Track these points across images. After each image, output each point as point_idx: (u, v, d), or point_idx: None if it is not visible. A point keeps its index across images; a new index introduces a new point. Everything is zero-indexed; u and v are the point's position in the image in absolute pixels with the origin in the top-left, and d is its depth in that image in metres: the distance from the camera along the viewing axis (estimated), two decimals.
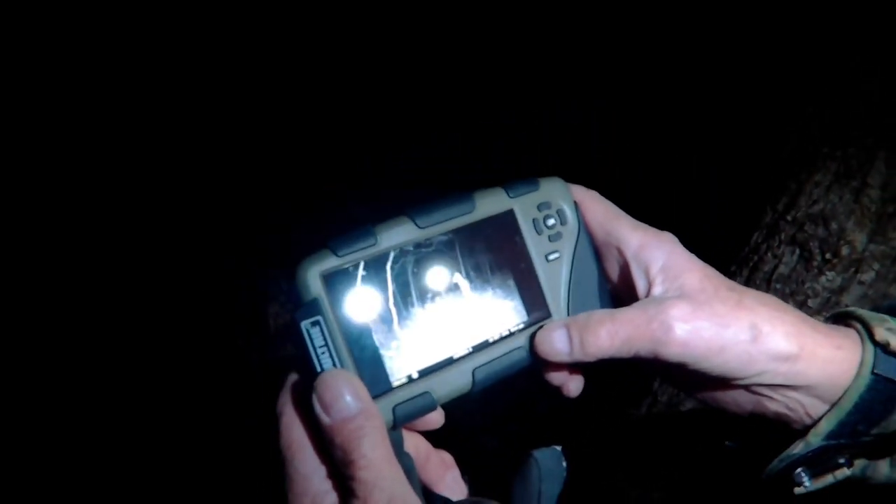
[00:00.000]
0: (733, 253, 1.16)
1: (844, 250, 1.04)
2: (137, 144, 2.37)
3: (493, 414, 1.81)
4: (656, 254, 0.52)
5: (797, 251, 1.06)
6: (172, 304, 2.26)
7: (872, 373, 0.49)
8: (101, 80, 2.32)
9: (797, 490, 0.53)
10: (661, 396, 1.31)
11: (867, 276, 1.05)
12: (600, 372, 0.55)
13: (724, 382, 0.51)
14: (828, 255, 1.04)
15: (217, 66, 2.36)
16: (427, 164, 2.21)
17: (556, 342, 0.51)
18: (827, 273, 1.05)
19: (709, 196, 1.40)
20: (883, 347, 0.49)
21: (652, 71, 1.91)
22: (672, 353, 0.48)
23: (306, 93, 2.40)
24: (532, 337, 0.52)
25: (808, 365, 0.49)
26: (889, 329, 0.50)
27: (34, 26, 2.24)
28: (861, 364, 0.49)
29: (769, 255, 1.09)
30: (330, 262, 0.47)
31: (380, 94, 2.34)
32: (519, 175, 0.57)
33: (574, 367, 0.54)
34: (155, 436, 2.03)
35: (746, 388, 0.51)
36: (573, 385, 0.54)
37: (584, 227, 0.56)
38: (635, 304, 0.51)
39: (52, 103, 2.31)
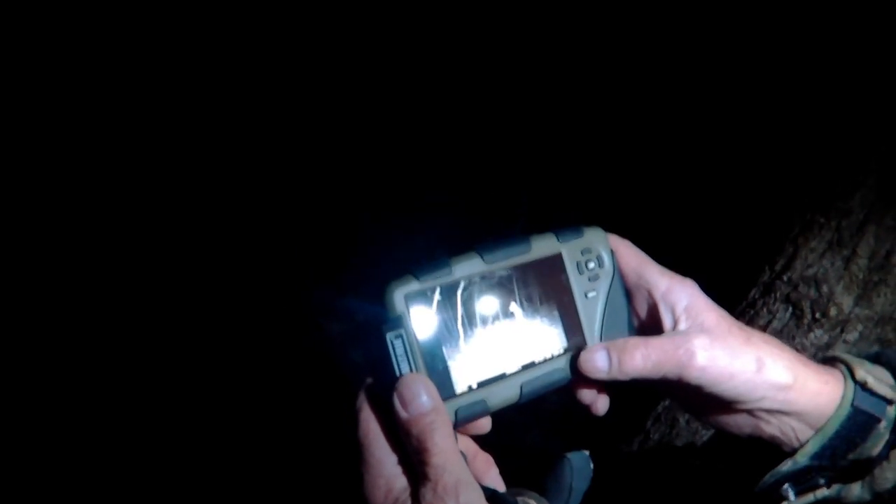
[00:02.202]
0: (731, 306, 1.26)
1: (833, 311, 1.14)
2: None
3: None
4: (681, 296, 0.63)
5: (790, 309, 1.17)
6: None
7: (852, 405, 0.59)
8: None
9: None
10: (654, 434, 1.40)
11: (852, 336, 1.15)
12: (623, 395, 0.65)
13: (730, 407, 0.61)
14: (818, 315, 1.14)
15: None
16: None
17: (598, 361, 0.61)
18: (816, 330, 1.16)
19: (714, 249, 1.51)
20: (862, 385, 0.60)
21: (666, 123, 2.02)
22: (693, 376, 0.58)
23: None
24: (571, 360, 0.62)
25: (800, 395, 0.59)
26: (867, 371, 0.60)
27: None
28: (843, 397, 0.59)
29: (765, 310, 1.19)
30: (412, 286, 0.56)
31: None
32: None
33: (603, 388, 0.64)
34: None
35: (749, 412, 0.61)
36: (601, 404, 0.64)
37: (617, 271, 0.66)
38: (664, 335, 0.61)
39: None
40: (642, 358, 0.59)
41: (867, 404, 0.59)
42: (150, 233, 2.43)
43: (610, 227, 0.68)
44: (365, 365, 0.58)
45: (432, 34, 2.41)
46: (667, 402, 1.33)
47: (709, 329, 0.61)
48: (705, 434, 1.21)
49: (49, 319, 2.31)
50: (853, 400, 0.59)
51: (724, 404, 0.61)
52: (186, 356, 2.26)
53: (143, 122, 2.45)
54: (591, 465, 0.58)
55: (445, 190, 2.49)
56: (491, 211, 2.49)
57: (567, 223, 0.66)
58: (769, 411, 0.60)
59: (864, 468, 0.60)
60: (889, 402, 0.60)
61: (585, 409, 0.65)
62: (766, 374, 0.59)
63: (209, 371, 2.24)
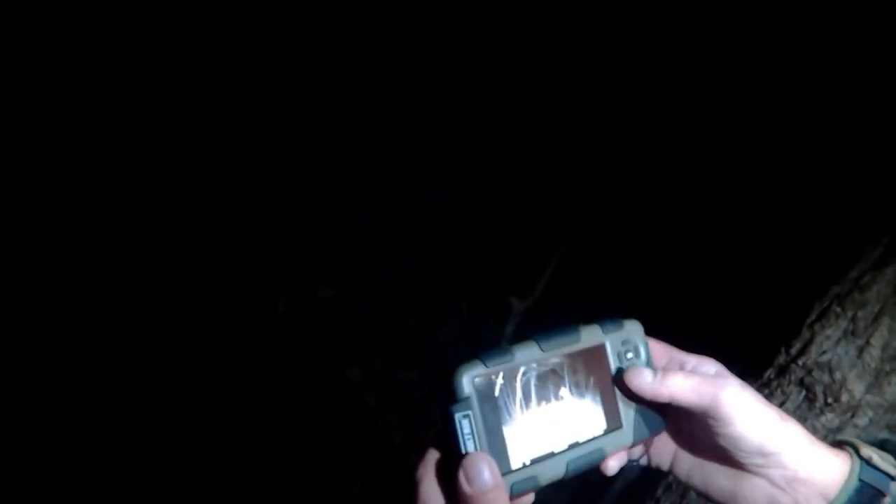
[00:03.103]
0: (747, 382, 1.32)
1: (844, 397, 1.20)
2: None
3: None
4: (710, 368, 0.71)
5: (804, 392, 1.23)
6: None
7: (859, 479, 0.66)
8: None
9: None
10: (664, 503, 1.44)
11: (861, 421, 1.21)
12: None
13: (747, 467, 0.67)
14: (829, 399, 1.20)
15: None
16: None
17: (644, 374, 0.69)
18: (827, 414, 1.21)
19: (735, 329, 1.57)
20: (867, 461, 0.67)
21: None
22: (723, 412, 0.65)
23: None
24: (608, 441, 0.69)
25: (815, 464, 0.66)
26: (872, 450, 0.68)
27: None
28: (851, 472, 0.67)
29: (779, 391, 1.25)
30: (479, 370, 0.63)
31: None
32: None
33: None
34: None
35: (767, 478, 0.67)
36: (613, 464, 0.71)
37: (651, 360, 0.73)
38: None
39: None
40: (683, 378, 0.67)
41: (873, 479, 0.66)
42: (147, 236, 2.47)
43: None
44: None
45: (432, 33, 2.47)
46: None
47: None
48: None
49: (44, 323, 2.35)
50: (860, 474, 0.66)
51: (742, 463, 0.67)
52: (183, 364, 2.30)
53: (138, 120, 2.48)
54: None
55: (445, 190, 2.54)
56: (491, 211, 2.54)
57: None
58: (786, 479, 0.66)
59: None
60: (892, 478, 0.67)
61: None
62: (787, 428, 0.66)
63: (204, 382, 2.27)
